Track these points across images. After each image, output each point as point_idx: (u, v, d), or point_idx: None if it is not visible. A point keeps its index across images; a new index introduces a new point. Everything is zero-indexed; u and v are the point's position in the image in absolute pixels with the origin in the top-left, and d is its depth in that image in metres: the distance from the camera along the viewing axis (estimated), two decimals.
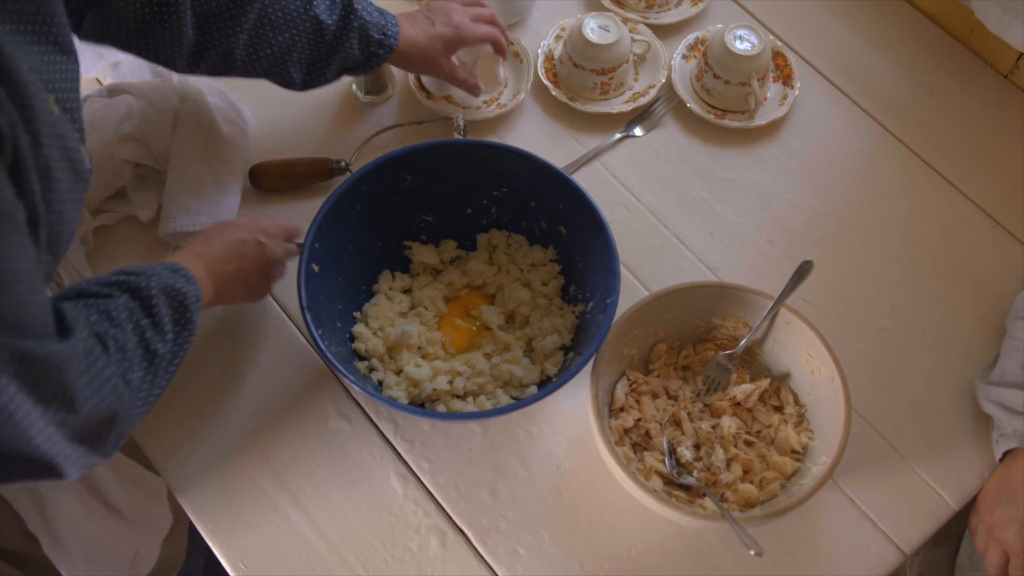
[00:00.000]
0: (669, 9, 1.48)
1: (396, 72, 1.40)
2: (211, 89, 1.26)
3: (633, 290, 1.24)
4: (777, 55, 1.43)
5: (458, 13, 1.22)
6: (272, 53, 1.08)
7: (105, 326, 0.81)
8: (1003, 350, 1.17)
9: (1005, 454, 1.11)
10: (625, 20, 1.43)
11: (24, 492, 1.03)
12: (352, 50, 1.12)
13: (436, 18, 1.20)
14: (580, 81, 1.38)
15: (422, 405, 1.13)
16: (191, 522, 1.09)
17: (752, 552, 0.95)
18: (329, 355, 1.01)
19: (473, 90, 1.26)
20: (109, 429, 0.80)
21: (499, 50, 1.27)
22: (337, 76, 1.15)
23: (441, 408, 1.12)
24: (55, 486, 1.07)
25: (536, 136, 1.37)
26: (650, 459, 1.07)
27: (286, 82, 1.13)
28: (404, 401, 1.11)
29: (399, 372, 1.14)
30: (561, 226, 1.18)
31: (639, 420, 1.10)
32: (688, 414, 1.12)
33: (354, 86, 1.38)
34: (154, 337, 0.86)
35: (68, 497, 1.09)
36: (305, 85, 1.14)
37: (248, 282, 1.05)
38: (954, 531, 1.24)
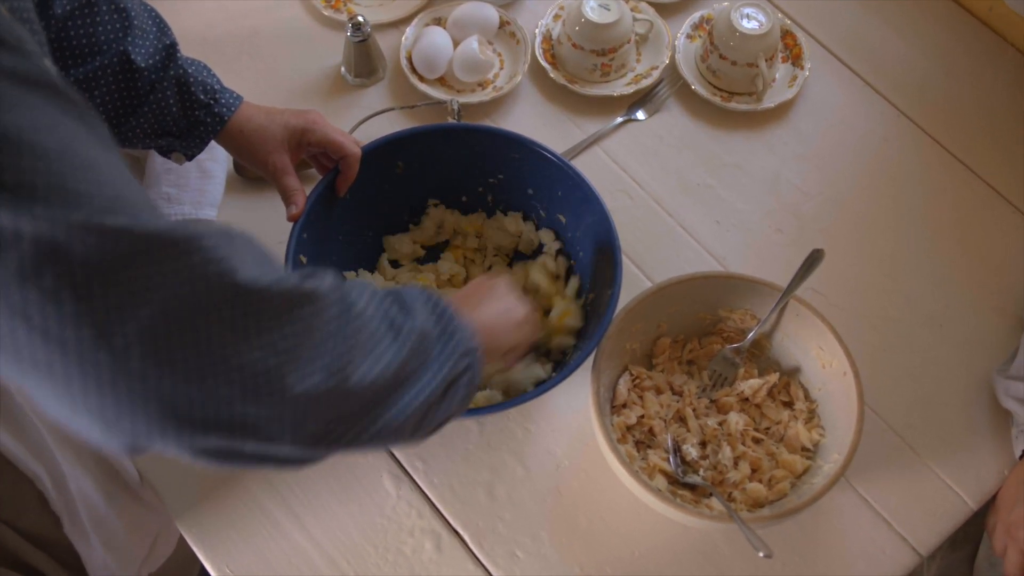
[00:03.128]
0: None
1: (387, 53, 1.39)
2: None
3: (635, 281, 1.24)
4: (786, 34, 1.42)
5: (320, 117, 1.11)
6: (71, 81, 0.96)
7: (340, 281, 0.74)
8: (1023, 343, 1.16)
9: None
10: None
11: (45, 470, 1.03)
12: (168, 104, 1.01)
13: (287, 111, 1.10)
14: (579, 62, 1.37)
15: None
16: None
17: (761, 554, 0.95)
18: None
19: (289, 209, 1.08)
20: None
21: (344, 170, 1.11)
22: (152, 139, 1.04)
23: None
24: (74, 463, 1.06)
25: (534, 120, 1.37)
26: (654, 457, 1.07)
27: None
28: None
29: None
30: (560, 214, 1.18)
31: (642, 417, 1.10)
32: (693, 410, 1.12)
33: (343, 68, 1.37)
34: (399, 315, 0.76)
35: (82, 475, 1.08)
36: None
37: (507, 344, 0.96)
38: (972, 533, 1.23)
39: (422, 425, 0.77)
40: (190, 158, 1.07)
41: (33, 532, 1.07)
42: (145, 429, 0.61)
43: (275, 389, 0.64)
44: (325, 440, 0.70)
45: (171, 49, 1.01)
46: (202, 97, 1.03)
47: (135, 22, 0.98)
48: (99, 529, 1.12)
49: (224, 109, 1.04)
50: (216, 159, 1.23)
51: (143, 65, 0.99)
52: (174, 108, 1.02)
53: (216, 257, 0.61)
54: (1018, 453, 1.11)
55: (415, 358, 0.75)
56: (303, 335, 0.66)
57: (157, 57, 1.00)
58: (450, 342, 0.79)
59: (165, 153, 1.06)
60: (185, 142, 1.06)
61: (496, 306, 0.95)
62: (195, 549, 1.07)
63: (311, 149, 1.10)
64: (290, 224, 1.07)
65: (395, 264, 1.22)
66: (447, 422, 0.81)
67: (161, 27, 1.02)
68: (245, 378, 0.63)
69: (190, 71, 1.02)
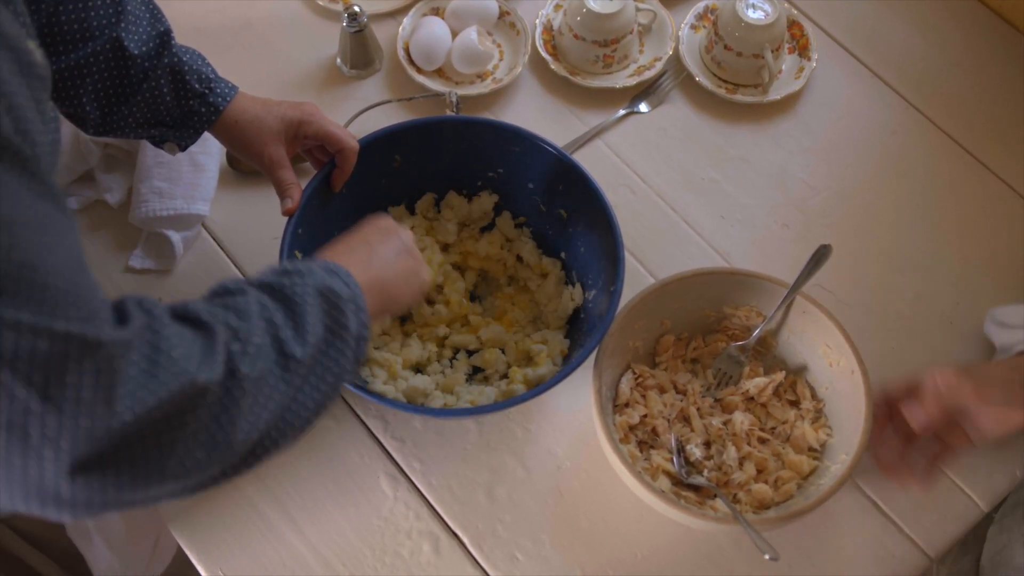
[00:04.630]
0: None
1: (384, 44, 1.39)
2: None
3: (638, 278, 1.24)
4: (792, 24, 1.42)
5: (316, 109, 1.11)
6: (59, 69, 0.96)
7: (227, 316, 0.75)
8: None
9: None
10: None
11: None
12: (161, 93, 1.01)
13: (283, 103, 1.09)
14: (581, 54, 1.37)
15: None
16: None
17: (767, 557, 0.95)
18: None
19: (284, 203, 1.07)
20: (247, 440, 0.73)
21: (341, 164, 1.10)
22: (145, 128, 1.04)
23: (436, 398, 1.11)
24: None
25: (534, 113, 1.36)
26: (657, 458, 1.07)
27: (78, 116, 1.01)
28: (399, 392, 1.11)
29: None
30: (561, 209, 1.18)
31: (645, 416, 1.10)
32: (698, 410, 1.11)
33: (339, 60, 1.37)
34: (291, 338, 0.77)
35: None
36: (101, 127, 1.02)
37: (394, 267, 0.96)
38: (983, 536, 1.23)
39: (308, 426, 0.81)
40: (183, 148, 1.07)
41: (31, 532, 1.07)
42: (9, 502, 0.63)
43: (157, 480, 0.67)
44: (211, 484, 0.74)
45: (165, 36, 1.01)
46: (197, 86, 1.03)
47: (128, 8, 0.98)
48: (101, 529, 1.12)
49: (219, 99, 1.04)
50: (209, 152, 1.23)
51: (136, 52, 0.98)
52: (168, 97, 1.02)
53: (111, 370, 0.62)
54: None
55: (305, 379, 0.78)
56: (188, 435, 0.68)
57: (151, 44, 1.00)
58: (341, 342, 0.82)
59: (158, 143, 1.06)
60: (179, 132, 1.05)
61: (391, 257, 0.96)
62: (187, 552, 1.07)
63: (307, 142, 1.10)
64: (285, 219, 1.07)
65: None
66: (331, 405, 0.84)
67: (155, 14, 1.01)
68: (122, 476, 0.65)
69: (185, 59, 1.02)
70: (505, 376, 1.14)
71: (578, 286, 1.17)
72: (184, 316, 0.72)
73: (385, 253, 0.95)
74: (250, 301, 0.77)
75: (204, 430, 0.69)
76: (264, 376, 0.74)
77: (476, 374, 1.16)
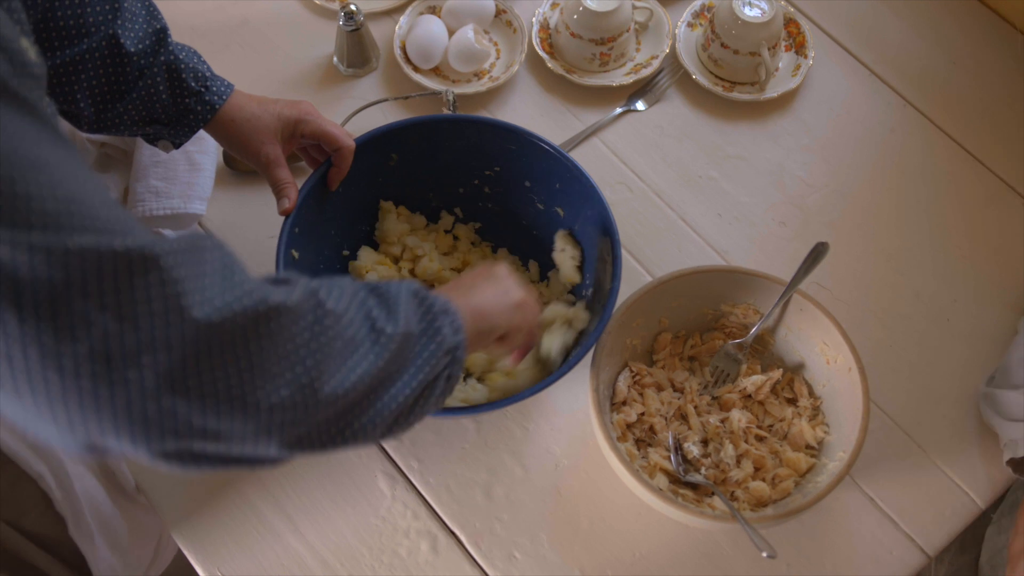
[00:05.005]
0: None
1: (381, 42, 1.39)
2: None
3: (635, 276, 1.24)
4: (789, 22, 1.42)
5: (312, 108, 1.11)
6: (54, 65, 0.95)
7: (311, 282, 0.73)
8: (1009, 349, 1.16)
9: (1015, 463, 1.10)
10: None
11: (48, 469, 1.02)
12: (157, 91, 1.01)
13: (280, 101, 1.09)
14: (578, 52, 1.37)
15: None
16: None
17: (764, 554, 0.95)
18: None
19: (280, 202, 1.07)
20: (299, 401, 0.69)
21: (338, 163, 1.10)
22: (140, 126, 1.03)
23: None
24: (76, 463, 1.06)
25: (531, 111, 1.37)
26: (655, 456, 1.07)
27: (72, 113, 1.00)
28: None
29: None
30: (558, 207, 1.18)
31: (643, 414, 1.10)
32: (695, 408, 1.12)
33: (335, 58, 1.37)
34: (382, 316, 0.75)
35: (86, 474, 1.08)
36: (95, 124, 1.01)
37: (500, 330, 0.93)
38: (981, 535, 1.23)
39: (397, 423, 0.77)
40: (177, 146, 1.07)
41: (36, 532, 1.07)
42: (99, 436, 0.61)
43: (239, 406, 0.64)
44: (298, 446, 0.70)
45: (161, 34, 1.01)
46: (193, 84, 1.02)
47: (125, 4, 0.98)
48: (104, 530, 1.11)
49: (215, 97, 1.04)
50: (205, 151, 1.23)
51: (132, 50, 0.98)
52: (163, 95, 1.02)
53: (173, 279, 0.61)
54: (1005, 464, 1.11)
55: (395, 362, 0.75)
56: (268, 351, 0.65)
57: (147, 42, 0.99)
58: (433, 340, 0.79)
59: (152, 140, 1.06)
60: (174, 130, 1.05)
61: (491, 289, 0.94)
62: (185, 552, 1.07)
63: (303, 141, 1.10)
64: (281, 218, 1.07)
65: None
66: (423, 418, 0.81)
67: (151, 11, 1.01)
68: (206, 397, 0.63)
69: (181, 57, 1.02)
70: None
71: (581, 304, 1.15)
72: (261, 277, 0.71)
73: (484, 289, 0.94)
74: (343, 280, 0.76)
75: (289, 355, 0.67)
76: (352, 324, 0.72)
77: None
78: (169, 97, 1.02)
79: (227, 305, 0.63)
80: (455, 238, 1.24)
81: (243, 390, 0.64)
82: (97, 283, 0.58)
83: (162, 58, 1.00)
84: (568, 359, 1.04)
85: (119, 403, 0.60)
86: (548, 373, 1.06)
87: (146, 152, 1.20)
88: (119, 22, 0.97)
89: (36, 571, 1.08)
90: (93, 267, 0.57)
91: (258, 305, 0.65)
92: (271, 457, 0.70)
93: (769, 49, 1.35)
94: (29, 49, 0.66)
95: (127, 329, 0.59)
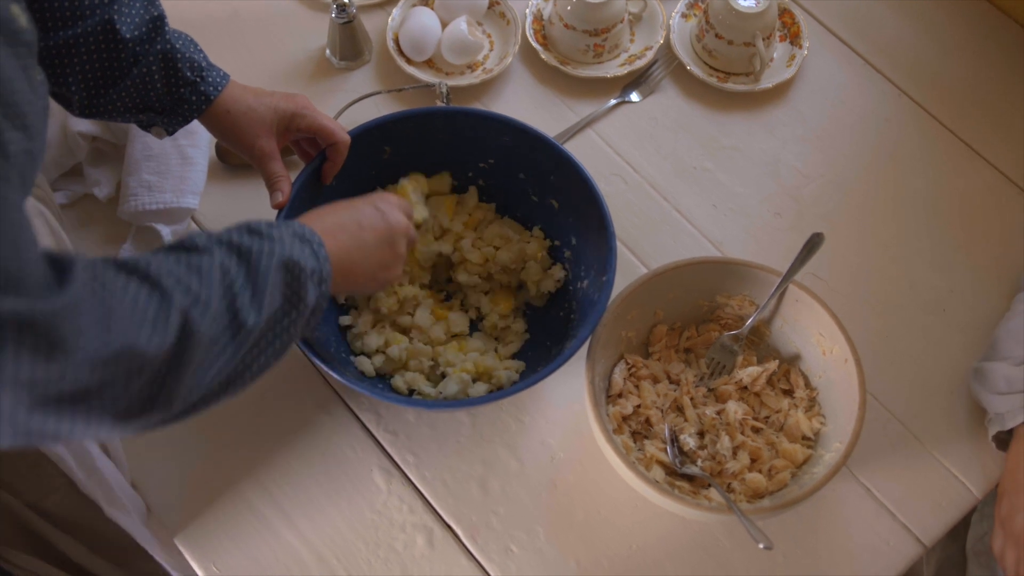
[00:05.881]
0: None
1: (374, 35, 1.39)
2: None
3: (631, 267, 1.24)
4: (784, 12, 1.42)
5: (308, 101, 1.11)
6: (47, 47, 0.95)
7: (189, 278, 0.74)
8: (999, 324, 1.17)
9: (998, 440, 1.11)
10: None
11: (68, 451, 1.02)
12: (152, 80, 1.00)
13: (276, 94, 1.09)
14: (572, 43, 1.37)
15: (389, 376, 1.14)
16: None
17: (761, 546, 0.95)
18: (302, 345, 1.00)
19: (273, 196, 1.08)
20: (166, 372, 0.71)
21: (332, 157, 1.11)
22: (133, 113, 1.03)
23: (415, 381, 1.12)
24: (91, 444, 1.07)
25: (525, 103, 1.37)
26: (651, 448, 1.07)
27: (63, 96, 1.00)
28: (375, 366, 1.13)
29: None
30: (552, 199, 1.18)
31: (639, 406, 1.10)
32: (691, 399, 1.12)
33: (328, 51, 1.37)
34: (246, 305, 0.77)
35: (100, 454, 1.08)
36: (86, 108, 1.01)
37: (371, 256, 0.97)
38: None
39: (250, 382, 0.82)
40: (170, 133, 1.07)
41: (58, 515, 1.06)
42: None
43: (97, 425, 0.69)
44: (151, 428, 0.74)
45: (158, 22, 1.00)
46: (188, 74, 1.02)
47: None
48: (133, 505, 1.11)
49: (211, 88, 1.04)
50: (198, 145, 1.23)
51: (128, 36, 0.97)
52: (158, 84, 1.01)
53: (57, 338, 0.63)
54: (991, 440, 1.12)
55: (255, 347, 0.79)
56: (132, 391, 0.69)
57: (143, 29, 0.99)
58: (294, 309, 0.83)
59: (145, 127, 1.06)
60: (167, 119, 1.05)
61: (374, 247, 0.97)
62: (182, 548, 1.07)
63: (298, 134, 1.10)
64: (274, 212, 1.07)
65: None
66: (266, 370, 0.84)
67: None
68: (76, 421, 0.68)
69: (177, 46, 1.01)
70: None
71: (558, 266, 1.18)
72: (138, 271, 0.72)
73: (369, 239, 0.96)
74: (214, 262, 0.77)
75: (148, 387, 0.70)
76: (215, 340, 0.75)
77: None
78: (164, 86, 1.02)
79: (100, 349, 0.65)
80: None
81: (103, 420, 0.69)
82: None
83: (158, 46, 1.00)
84: (563, 352, 1.04)
85: None
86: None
87: (138, 146, 1.20)
88: (115, 7, 0.97)
89: (57, 552, 1.07)
90: None
91: (130, 354, 0.68)
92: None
93: (764, 39, 1.35)
94: (19, 16, 0.66)
95: None
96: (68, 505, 1.05)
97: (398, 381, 1.13)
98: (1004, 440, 1.11)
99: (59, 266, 0.65)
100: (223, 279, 0.77)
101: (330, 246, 0.89)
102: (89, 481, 1.03)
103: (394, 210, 1.00)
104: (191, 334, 0.71)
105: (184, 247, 0.78)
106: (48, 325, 0.62)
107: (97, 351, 0.65)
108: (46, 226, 0.99)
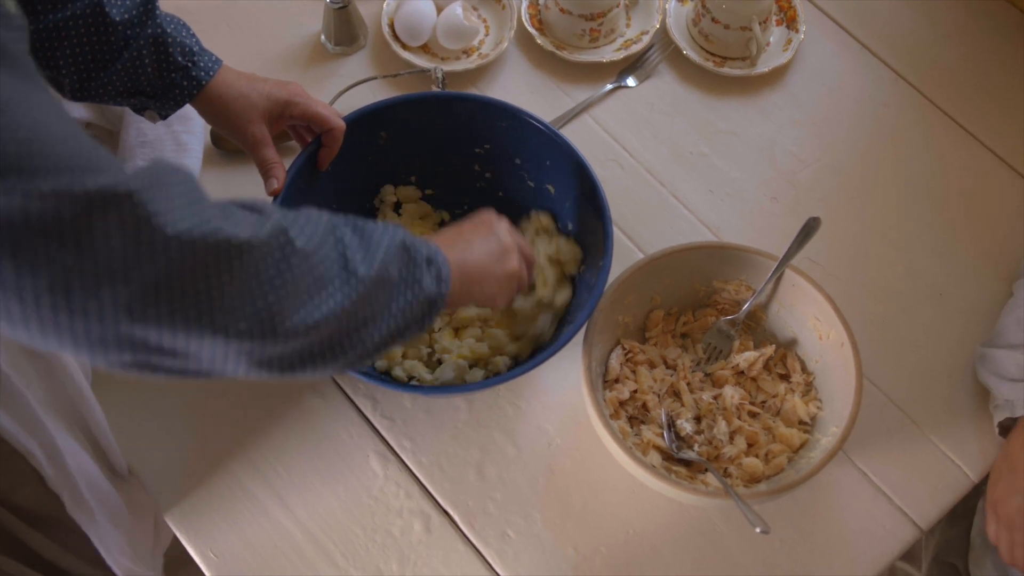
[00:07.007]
0: None
1: (369, 20, 1.39)
2: None
3: (627, 253, 1.24)
4: None
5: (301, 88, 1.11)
6: (36, 30, 0.94)
7: (287, 213, 0.74)
8: (1003, 310, 1.17)
9: (1002, 427, 1.12)
10: None
11: (38, 445, 1.02)
12: (143, 64, 1.00)
13: (269, 81, 1.09)
14: (567, 28, 1.37)
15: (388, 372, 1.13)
16: None
17: (758, 530, 0.96)
18: None
19: (268, 183, 1.07)
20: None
21: (328, 143, 1.11)
22: (124, 97, 1.03)
23: (409, 370, 1.12)
24: (67, 438, 1.07)
25: (520, 88, 1.37)
26: (647, 433, 1.08)
27: (55, 80, 0.99)
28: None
29: None
30: (548, 185, 1.18)
31: (635, 392, 1.11)
32: (688, 384, 1.12)
33: (323, 36, 1.37)
34: (357, 256, 0.77)
35: (80, 450, 1.08)
36: (78, 92, 1.00)
37: (481, 253, 0.96)
38: (972, 507, 1.25)
39: (362, 360, 0.81)
40: (163, 118, 1.06)
41: (28, 509, 1.06)
42: (60, 350, 0.65)
43: (198, 333, 0.68)
44: (262, 368, 0.73)
45: (149, 5, 0.99)
46: (179, 59, 1.02)
47: None
48: (104, 507, 1.10)
49: (202, 73, 1.03)
50: (192, 131, 1.23)
51: (118, 19, 0.97)
52: (149, 68, 1.01)
53: (137, 216, 0.63)
54: (996, 426, 1.12)
55: (366, 305, 0.77)
56: (230, 287, 0.68)
57: (134, 12, 0.98)
58: (411, 289, 0.81)
59: (138, 111, 1.06)
60: (159, 103, 1.04)
61: (486, 251, 0.96)
62: (178, 533, 1.08)
63: (291, 122, 1.10)
64: (270, 199, 1.07)
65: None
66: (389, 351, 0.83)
67: None
68: (164, 325, 0.66)
69: (168, 30, 1.01)
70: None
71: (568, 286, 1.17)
72: (232, 201, 0.72)
73: (479, 246, 0.96)
74: (321, 216, 0.77)
75: (252, 291, 0.69)
76: (322, 263, 0.74)
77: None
78: (154, 71, 1.01)
79: (194, 228, 0.66)
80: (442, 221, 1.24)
81: (203, 321, 0.67)
82: (56, 224, 0.60)
83: (149, 30, 0.99)
84: (560, 337, 1.04)
85: (78, 330, 0.63)
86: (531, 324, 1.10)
87: (132, 132, 1.20)
88: None
89: (27, 549, 1.08)
90: (52, 209, 0.59)
91: (226, 240, 0.67)
92: (236, 374, 0.73)
93: (760, 23, 1.35)
94: (6, 1, 0.66)
95: (87, 264, 0.61)
96: (37, 501, 1.05)
97: (398, 371, 1.13)
98: (1007, 427, 1.11)
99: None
100: (332, 228, 0.77)
101: (442, 246, 0.89)
102: (56, 477, 1.03)
103: (495, 220, 1.00)
104: (289, 240, 0.72)
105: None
106: (134, 199, 0.63)
107: (189, 230, 0.65)
108: None
